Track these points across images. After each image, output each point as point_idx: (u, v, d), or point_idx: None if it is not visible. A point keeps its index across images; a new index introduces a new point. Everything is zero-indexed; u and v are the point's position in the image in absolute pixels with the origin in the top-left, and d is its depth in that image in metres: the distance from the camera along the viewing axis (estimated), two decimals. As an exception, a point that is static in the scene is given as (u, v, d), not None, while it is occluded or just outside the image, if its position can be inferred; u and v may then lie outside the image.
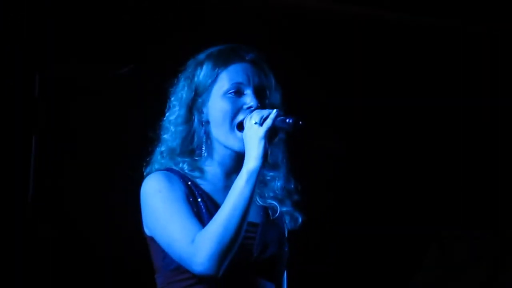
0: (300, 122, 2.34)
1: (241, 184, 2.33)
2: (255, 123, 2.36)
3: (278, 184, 2.53)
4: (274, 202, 2.52)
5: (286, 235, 2.56)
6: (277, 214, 2.52)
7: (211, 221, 2.32)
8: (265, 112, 2.38)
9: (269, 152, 2.36)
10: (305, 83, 4.27)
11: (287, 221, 2.56)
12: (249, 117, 2.40)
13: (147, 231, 2.47)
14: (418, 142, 4.69)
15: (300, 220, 2.56)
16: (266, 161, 2.36)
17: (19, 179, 3.80)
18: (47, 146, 3.86)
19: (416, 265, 4.63)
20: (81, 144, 4.04)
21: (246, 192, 2.32)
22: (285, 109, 2.47)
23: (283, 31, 4.29)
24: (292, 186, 2.55)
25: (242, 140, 2.41)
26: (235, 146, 2.44)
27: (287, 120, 2.35)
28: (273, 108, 2.41)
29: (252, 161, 2.34)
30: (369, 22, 4.52)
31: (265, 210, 2.53)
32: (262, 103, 2.45)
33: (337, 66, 4.50)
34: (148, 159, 2.55)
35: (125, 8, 4.02)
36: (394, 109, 4.65)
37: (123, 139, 4.01)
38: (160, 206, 2.40)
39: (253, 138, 2.35)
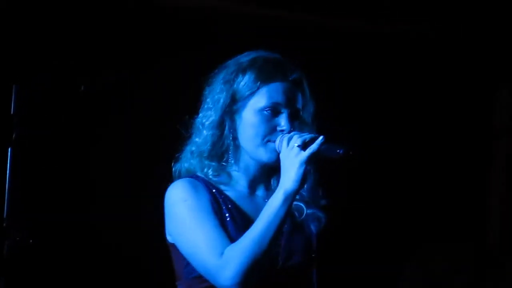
0: (351, 153, 2.30)
1: (276, 205, 2.33)
2: (298, 146, 2.33)
3: (306, 185, 2.49)
4: (300, 204, 2.51)
5: (313, 238, 2.54)
6: (303, 216, 2.51)
7: (242, 237, 2.32)
8: (306, 135, 2.37)
9: (307, 177, 2.36)
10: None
11: (311, 223, 2.54)
12: (286, 138, 2.38)
13: (169, 238, 2.46)
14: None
15: (323, 220, 2.54)
16: (303, 185, 2.36)
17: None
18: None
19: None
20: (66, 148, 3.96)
21: (281, 213, 2.33)
22: (316, 126, 2.51)
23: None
24: (319, 191, 2.54)
25: (271, 152, 2.42)
26: (264, 157, 2.44)
27: (338, 151, 2.30)
28: (303, 127, 2.45)
29: (290, 183, 2.33)
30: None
31: (291, 215, 2.49)
32: (294, 125, 2.44)
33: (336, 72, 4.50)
34: (177, 155, 2.54)
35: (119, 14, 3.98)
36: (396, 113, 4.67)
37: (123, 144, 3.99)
38: (186, 215, 2.39)
39: (294, 161, 2.33)
